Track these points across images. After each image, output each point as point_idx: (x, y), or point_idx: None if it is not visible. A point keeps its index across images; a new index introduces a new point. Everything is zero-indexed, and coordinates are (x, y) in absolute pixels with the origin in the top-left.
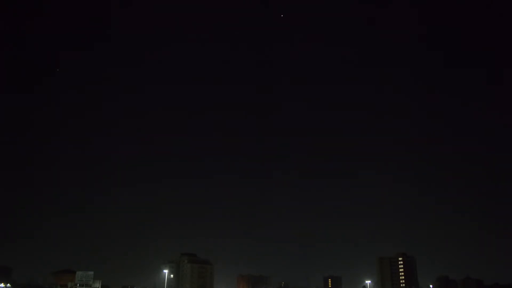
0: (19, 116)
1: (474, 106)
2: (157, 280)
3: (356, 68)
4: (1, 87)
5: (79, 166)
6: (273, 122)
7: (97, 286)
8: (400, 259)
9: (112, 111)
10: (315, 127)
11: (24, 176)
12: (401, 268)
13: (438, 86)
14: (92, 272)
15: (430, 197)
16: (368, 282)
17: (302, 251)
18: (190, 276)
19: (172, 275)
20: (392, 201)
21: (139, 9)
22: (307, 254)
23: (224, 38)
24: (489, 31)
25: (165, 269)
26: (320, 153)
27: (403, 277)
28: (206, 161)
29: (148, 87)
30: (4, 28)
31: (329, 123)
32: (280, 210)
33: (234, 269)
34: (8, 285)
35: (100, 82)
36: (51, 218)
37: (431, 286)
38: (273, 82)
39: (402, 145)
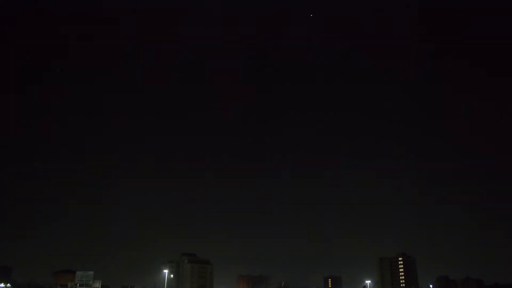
0: (19, 115)
1: (474, 105)
2: (157, 280)
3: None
4: (1, 87)
5: (79, 166)
6: (273, 121)
7: (97, 286)
8: (400, 259)
9: (112, 110)
10: (315, 126)
11: (24, 175)
12: (401, 268)
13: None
14: (92, 272)
15: (430, 197)
16: (368, 282)
17: (302, 251)
18: (190, 276)
19: (172, 275)
20: (392, 201)
21: (139, 10)
22: (307, 254)
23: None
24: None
25: (165, 269)
26: (320, 153)
27: (403, 277)
28: (206, 161)
29: (147, 87)
30: (3, 28)
31: (329, 122)
32: (280, 210)
33: (234, 269)
34: (8, 285)
35: (100, 80)
36: (51, 217)
37: (431, 286)
38: (273, 83)
39: (402, 145)
